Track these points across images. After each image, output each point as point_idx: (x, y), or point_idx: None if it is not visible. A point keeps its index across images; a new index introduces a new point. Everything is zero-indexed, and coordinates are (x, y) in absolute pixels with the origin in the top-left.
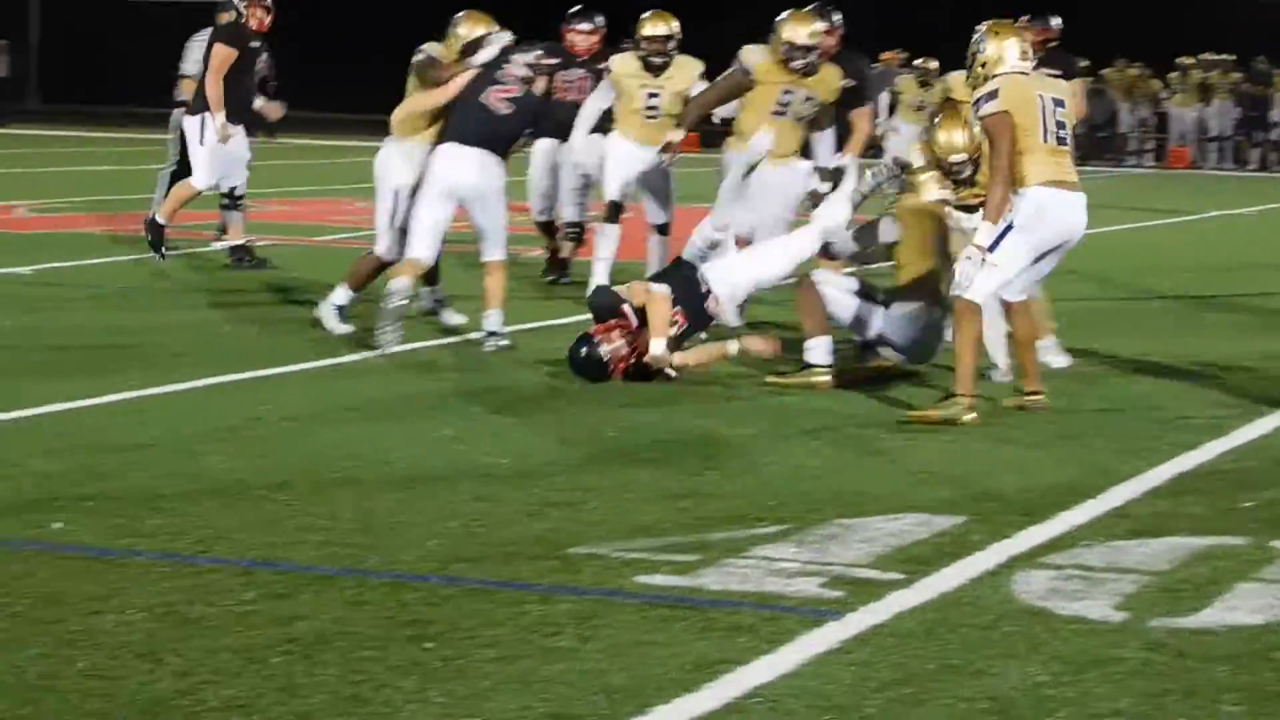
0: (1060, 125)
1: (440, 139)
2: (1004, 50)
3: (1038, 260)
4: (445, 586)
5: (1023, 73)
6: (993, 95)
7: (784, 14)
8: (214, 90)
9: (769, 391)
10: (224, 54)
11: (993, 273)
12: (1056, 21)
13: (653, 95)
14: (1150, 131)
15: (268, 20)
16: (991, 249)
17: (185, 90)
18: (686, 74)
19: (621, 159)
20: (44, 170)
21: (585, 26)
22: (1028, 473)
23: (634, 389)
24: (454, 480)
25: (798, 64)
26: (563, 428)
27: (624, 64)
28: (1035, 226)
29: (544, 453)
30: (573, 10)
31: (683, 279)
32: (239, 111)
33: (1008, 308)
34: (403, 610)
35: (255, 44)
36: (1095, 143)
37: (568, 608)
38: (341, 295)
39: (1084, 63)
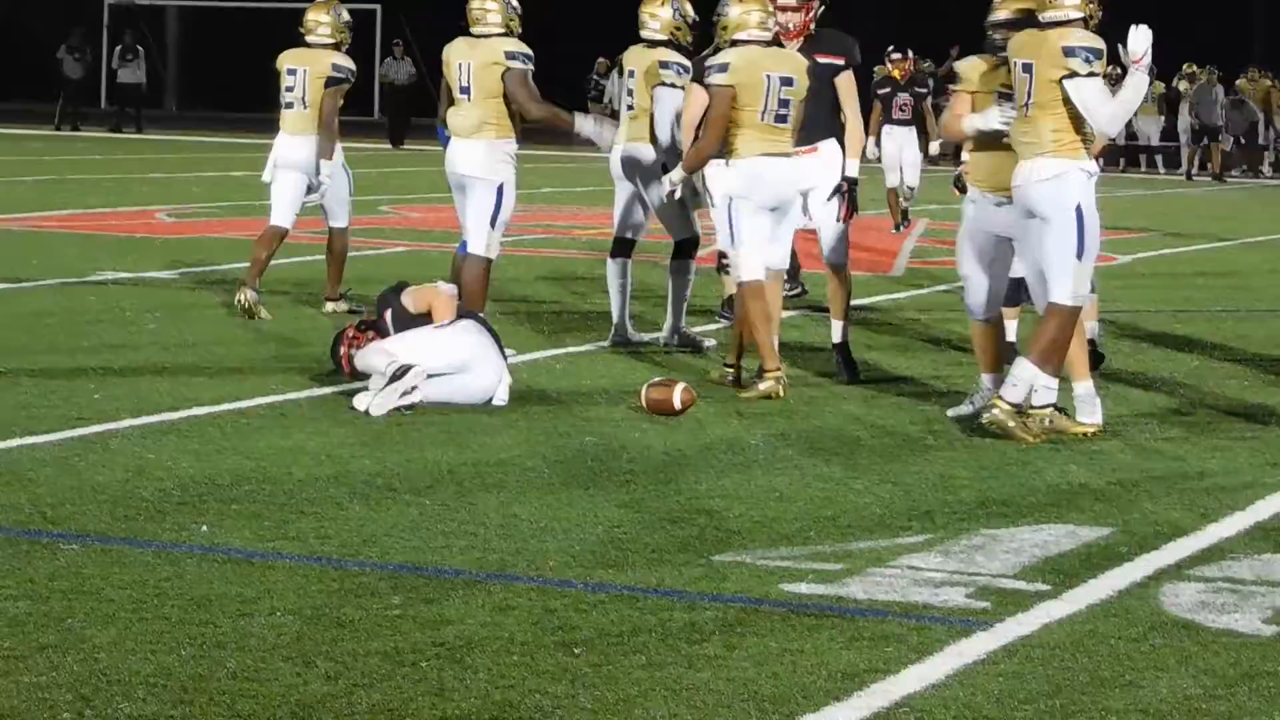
0: (783, 104)
1: None
2: (746, 17)
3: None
4: (591, 593)
5: (762, 43)
6: (724, 67)
7: None
8: None
9: (911, 399)
10: None
11: (742, 251)
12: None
13: None
14: None
15: None
16: (733, 230)
17: None
18: None
19: None
20: (182, 175)
21: (896, 56)
22: (1173, 485)
23: (784, 401)
24: (598, 486)
25: None
26: (705, 434)
27: None
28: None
29: (686, 459)
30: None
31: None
32: None
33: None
34: (550, 616)
35: None
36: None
37: (714, 615)
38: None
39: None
